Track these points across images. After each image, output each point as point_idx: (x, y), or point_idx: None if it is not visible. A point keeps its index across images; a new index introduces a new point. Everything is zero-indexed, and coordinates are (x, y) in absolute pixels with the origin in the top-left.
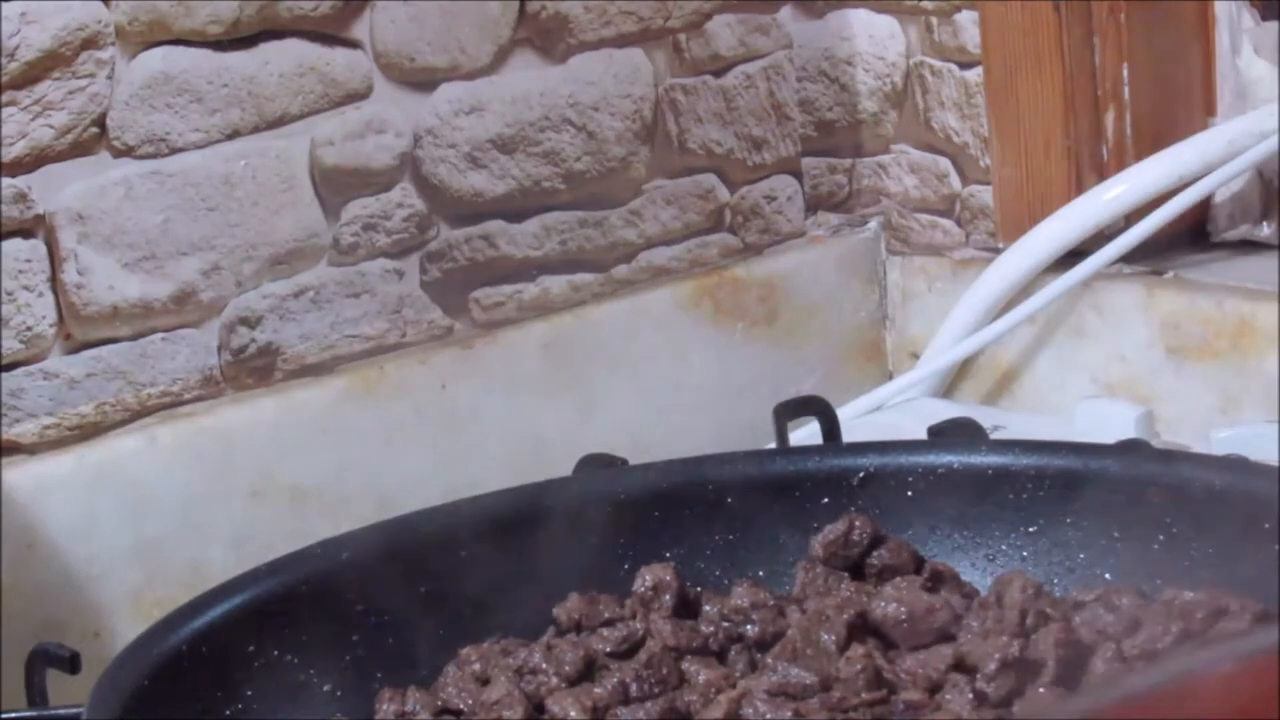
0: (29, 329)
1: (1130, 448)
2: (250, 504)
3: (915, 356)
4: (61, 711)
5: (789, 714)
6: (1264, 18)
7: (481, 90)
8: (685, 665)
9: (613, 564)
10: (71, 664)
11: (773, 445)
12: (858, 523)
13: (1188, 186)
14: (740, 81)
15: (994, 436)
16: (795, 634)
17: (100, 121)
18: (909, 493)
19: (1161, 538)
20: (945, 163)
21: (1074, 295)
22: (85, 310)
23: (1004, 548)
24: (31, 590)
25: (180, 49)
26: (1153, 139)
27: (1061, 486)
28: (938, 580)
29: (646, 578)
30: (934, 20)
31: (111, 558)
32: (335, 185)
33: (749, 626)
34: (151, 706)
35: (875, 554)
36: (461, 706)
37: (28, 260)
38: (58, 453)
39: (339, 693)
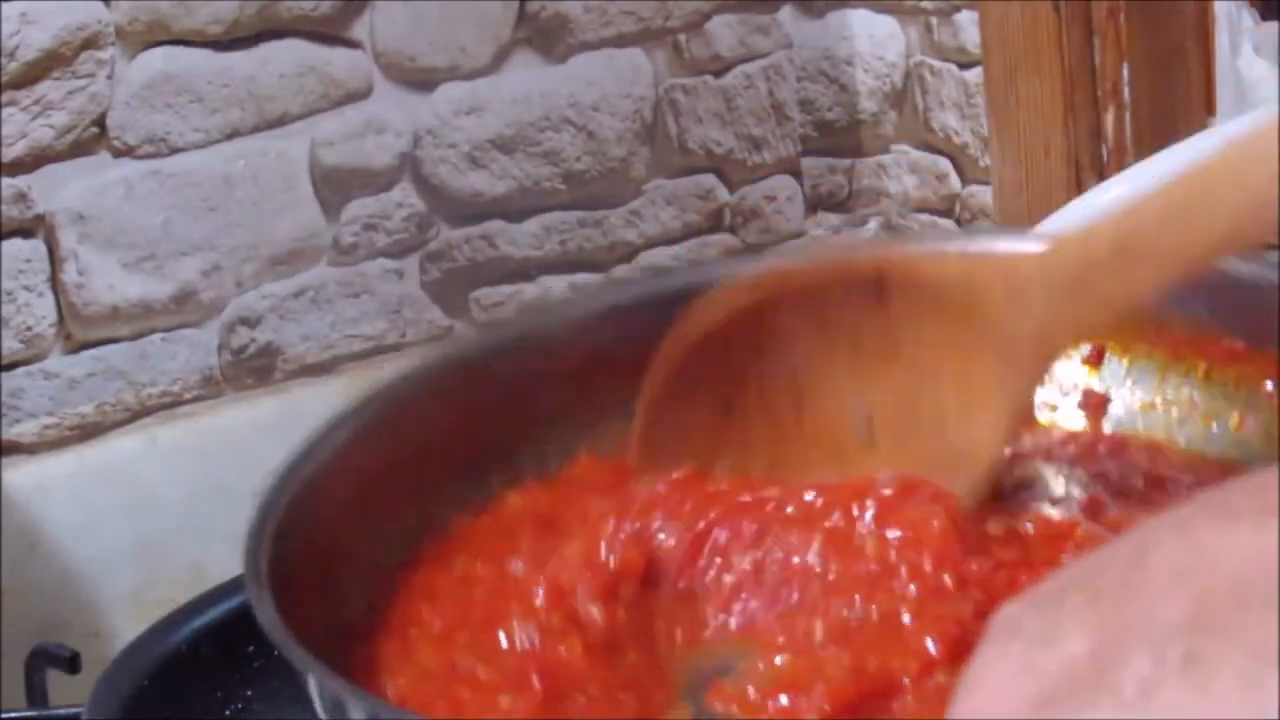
0: (29, 329)
1: None
2: (250, 504)
3: None
4: (61, 711)
5: None
6: (1264, 18)
7: (481, 90)
8: None
9: None
10: (71, 664)
11: None
12: None
13: None
14: (740, 81)
15: None
16: None
17: (100, 121)
18: None
19: None
20: (945, 163)
21: None
22: (85, 310)
23: None
24: (31, 590)
25: (180, 49)
26: (1153, 139)
27: None
28: None
29: None
30: (934, 20)
31: (111, 558)
32: (335, 185)
33: None
34: (151, 706)
35: None
36: None
37: (28, 260)
38: (58, 453)
39: None
